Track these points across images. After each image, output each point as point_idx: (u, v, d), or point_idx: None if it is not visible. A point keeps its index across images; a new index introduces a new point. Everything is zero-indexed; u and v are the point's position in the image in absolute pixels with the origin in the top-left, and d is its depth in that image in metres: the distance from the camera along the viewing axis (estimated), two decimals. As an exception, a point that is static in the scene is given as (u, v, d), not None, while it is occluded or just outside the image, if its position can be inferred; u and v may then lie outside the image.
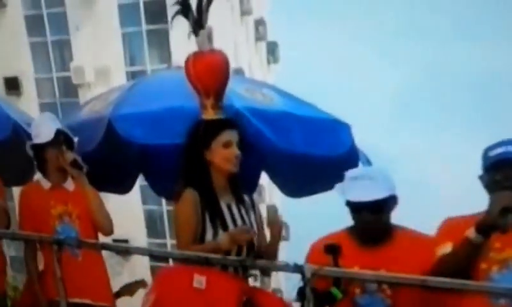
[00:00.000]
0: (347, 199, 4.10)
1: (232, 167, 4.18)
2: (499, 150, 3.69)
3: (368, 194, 4.01)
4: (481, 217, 3.51)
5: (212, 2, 4.44)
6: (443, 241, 3.78)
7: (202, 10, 4.38)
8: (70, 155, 5.07)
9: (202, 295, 3.77)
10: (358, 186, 4.09)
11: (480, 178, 3.78)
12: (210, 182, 4.19)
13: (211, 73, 4.30)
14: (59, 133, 5.12)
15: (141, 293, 5.22)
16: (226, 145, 4.17)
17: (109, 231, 5.29)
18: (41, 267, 5.28)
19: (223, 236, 4.02)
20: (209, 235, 4.10)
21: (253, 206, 4.41)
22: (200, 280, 3.80)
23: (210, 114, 4.27)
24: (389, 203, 4.10)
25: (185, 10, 4.43)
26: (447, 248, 3.71)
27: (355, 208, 4.09)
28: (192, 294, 3.78)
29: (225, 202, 4.21)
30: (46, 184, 5.24)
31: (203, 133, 4.21)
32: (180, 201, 4.14)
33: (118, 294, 6.08)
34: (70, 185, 5.23)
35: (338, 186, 4.22)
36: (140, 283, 6.42)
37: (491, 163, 3.71)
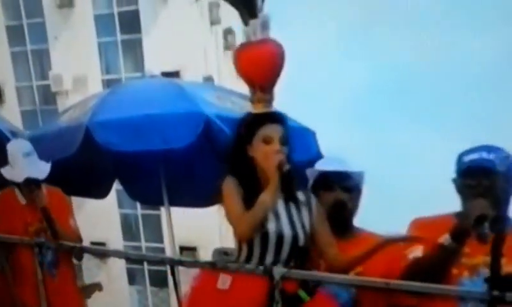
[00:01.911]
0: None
1: (271, 165, 3.65)
2: (473, 156, 3.60)
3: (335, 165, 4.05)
4: (455, 223, 3.45)
5: None
6: (414, 244, 3.67)
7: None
8: (42, 201, 4.94)
9: (226, 296, 3.61)
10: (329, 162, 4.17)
11: (454, 181, 3.69)
12: (254, 177, 3.75)
13: (256, 66, 3.84)
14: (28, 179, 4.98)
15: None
16: (266, 141, 3.71)
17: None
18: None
19: (261, 195, 3.61)
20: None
21: (309, 205, 3.87)
22: (224, 280, 3.64)
23: (257, 108, 3.82)
24: (357, 188, 4.08)
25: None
26: (417, 251, 3.62)
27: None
28: (216, 295, 3.64)
29: None
30: (22, 199, 5.10)
31: (246, 128, 3.81)
32: (222, 188, 3.74)
33: None
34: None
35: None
36: (96, 286, 6.33)
37: (464, 168, 3.62)
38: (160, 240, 23.63)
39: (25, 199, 5.06)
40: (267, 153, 3.68)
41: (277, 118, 3.79)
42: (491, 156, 3.55)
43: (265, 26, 3.85)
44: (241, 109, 5.20)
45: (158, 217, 22.55)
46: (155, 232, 24.36)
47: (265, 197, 3.60)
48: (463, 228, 3.39)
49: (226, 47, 27.40)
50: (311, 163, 5.04)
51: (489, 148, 3.59)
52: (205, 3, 23.96)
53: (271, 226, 3.67)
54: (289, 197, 3.79)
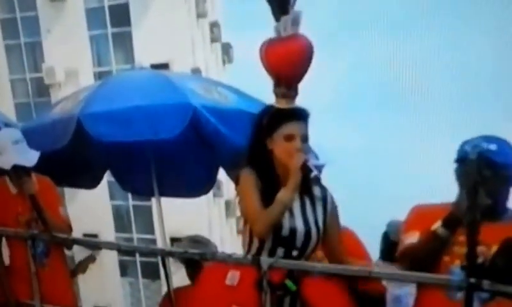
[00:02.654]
0: None
1: (291, 162, 3.60)
2: (471, 145, 3.55)
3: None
4: (448, 212, 3.46)
5: None
6: (410, 229, 3.70)
7: None
8: (30, 189, 4.92)
9: (234, 292, 3.59)
10: None
11: (455, 170, 3.64)
12: (273, 170, 3.73)
13: (282, 61, 3.77)
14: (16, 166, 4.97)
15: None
16: (288, 138, 3.67)
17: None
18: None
19: (280, 192, 3.57)
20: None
21: (325, 201, 3.82)
22: (233, 276, 3.62)
23: (280, 103, 3.77)
24: None
25: None
26: (413, 237, 3.63)
27: None
28: (225, 291, 3.61)
29: None
30: (13, 189, 5.09)
31: (267, 122, 3.75)
32: (240, 179, 3.71)
33: (73, 273, 5.93)
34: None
35: None
36: (90, 258, 6.27)
37: (462, 157, 3.57)
38: (152, 232, 23.62)
39: (16, 189, 5.04)
40: (290, 150, 3.65)
41: (301, 115, 3.74)
42: (492, 146, 3.51)
43: (296, 22, 3.80)
44: (227, 100, 5.19)
45: (149, 209, 22.52)
46: (146, 224, 24.35)
47: (284, 197, 3.57)
48: (454, 216, 3.41)
49: (213, 40, 27.40)
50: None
51: (490, 138, 3.55)
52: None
53: (284, 221, 3.64)
54: (304, 192, 3.75)
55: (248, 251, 3.74)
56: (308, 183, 3.71)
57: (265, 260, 3.45)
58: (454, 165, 3.63)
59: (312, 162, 3.99)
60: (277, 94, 3.78)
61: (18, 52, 26.24)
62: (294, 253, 3.66)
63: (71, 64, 24.15)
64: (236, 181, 3.76)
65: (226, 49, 29.73)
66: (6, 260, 5.11)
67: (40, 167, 5.04)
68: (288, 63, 3.75)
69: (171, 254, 4.03)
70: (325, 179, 4.03)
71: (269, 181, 3.67)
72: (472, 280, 3.05)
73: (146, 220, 24.36)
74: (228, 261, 3.66)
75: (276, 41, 3.81)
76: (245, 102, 5.39)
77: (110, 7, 24.23)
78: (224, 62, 30.48)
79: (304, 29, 3.76)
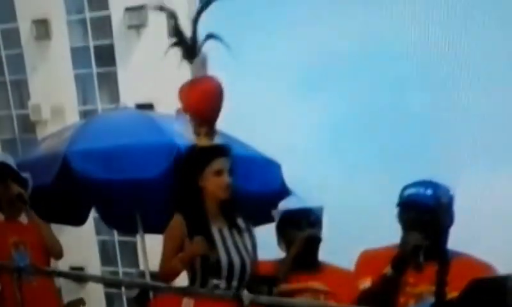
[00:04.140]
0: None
1: (223, 195, 3.87)
2: (411, 191, 3.67)
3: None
4: (395, 254, 3.52)
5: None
6: (362, 275, 3.76)
7: (196, 38, 4.16)
8: (15, 189, 4.95)
9: None
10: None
11: (397, 214, 3.75)
12: (203, 207, 3.91)
13: (205, 102, 4.00)
14: (3, 166, 4.99)
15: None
16: (218, 173, 3.87)
17: (59, 255, 5.17)
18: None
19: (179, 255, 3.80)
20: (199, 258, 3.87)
21: (249, 231, 4.04)
22: (187, 304, 3.72)
23: (203, 142, 3.97)
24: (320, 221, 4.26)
25: (179, 39, 4.20)
26: (366, 283, 3.68)
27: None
28: None
29: (217, 226, 3.91)
30: (1, 216, 5.09)
31: (196, 160, 3.94)
32: (168, 228, 3.93)
33: None
34: (24, 219, 5.09)
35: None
36: (79, 302, 6.24)
37: (402, 202, 3.69)
38: (137, 266, 23.48)
39: (3, 215, 5.05)
40: (220, 184, 3.86)
41: (226, 151, 3.95)
42: (429, 192, 3.62)
43: (204, 64, 4.07)
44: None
45: (134, 244, 22.43)
46: (131, 258, 24.21)
47: (182, 260, 3.76)
48: (400, 258, 3.48)
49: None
50: (275, 194, 5.13)
51: (427, 184, 3.66)
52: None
53: (222, 256, 3.81)
54: (232, 225, 3.95)
55: (191, 284, 3.87)
56: (234, 216, 3.96)
57: (246, 296, 3.47)
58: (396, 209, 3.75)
59: (295, 205, 4.18)
60: (199, 134, 3.97)
61: (4, 88, 26.18)
62: (234, 283, 3.82)
63: (57, 101, 24.08)
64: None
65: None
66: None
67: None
68: (207, 103, 3.96)
69: (154, 288, 4.03)
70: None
71: (199, 217, 3.86)
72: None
73: (131, 255, 24.23)
74: (211, 296, 3.71)
75: (194, 83, 4.05)
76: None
77: (95, 47, 24.24)
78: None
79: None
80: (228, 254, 3.84)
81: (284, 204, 4.39)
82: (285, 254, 4.26)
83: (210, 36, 4.13)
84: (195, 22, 4.13)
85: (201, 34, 4.12)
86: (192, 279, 3.84)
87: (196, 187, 3.89)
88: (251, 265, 3.92)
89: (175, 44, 4.20)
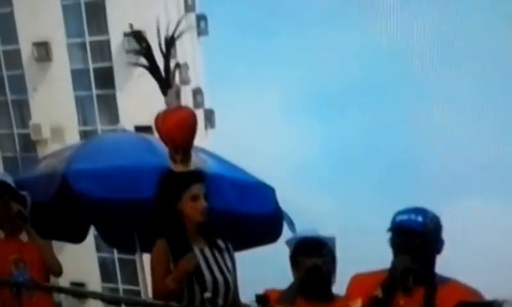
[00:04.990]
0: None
1: (200, 218, 4.03)
2: (402, 217, 3.76)
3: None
4: (385, 277, 3.60)
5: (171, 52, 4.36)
6: (353, 297, 3.82)
7: (169, 71, 4.26)
8: (15, 206, 4.99)
9: None
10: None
11: (388, 239, 3.81)
12: (183, 229, 4.05)
13: (180, 130, 4.13)
14: (1, 185, 5.02)
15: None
16: (194, 198, 4.04)
17: (58, 273, 5.22)
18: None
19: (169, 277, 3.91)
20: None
21: (228, 250, 4.22)
22: None
23: (179, 168, 4.11)
24: (331, 253, 4.34)
25: (153, 72, 4.31)
26: (357, 305, 3.75)
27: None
28: None
29: (198, 247, 4.07)
30: (1, 234, 5.11)
31: (174, 185, 4.09)
32: (153, 254, 4.09)
33: None
34: (24, 237, 5.13)
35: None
36: None
37: (394, 227, 3.76)
38: (136, 283, 23.41)
39: (4, 232, 5.06)
40: (197, 208, 4.01)
41: (202, 177, 4.14)
42: (419, 218, 3.68)
43: (178, 95, 4.24)
44: (205, 164, 5.28)
45: (133, 261, 22.37)
46: (131, 275, 24.14)
47: (171, 282, 3.87)
48: (391, 281, 3.56)
49: (196, 106, 27.55)
50: (269, 216, 5.18)
51: (418, 211, 3.72)
52: (172, 63, 24.09)
53: (206, 274, 3.97)
54: (212, 246, 4.12)
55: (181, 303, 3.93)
56: (213, 236, 4.13)
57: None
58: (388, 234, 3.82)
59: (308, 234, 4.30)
60: (175, 161, 4.10)
61: (6, 108, 26.19)
62: (220, 301, 3.97)
63: (57, 122, 24.09)
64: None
65: (209, 115, 29.88)
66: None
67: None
68: (183, 131, 4.11)
69: (152, 305, 4.06)
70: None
71: (180, 239, 4.00)
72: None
73: (130, 272, 24.16)
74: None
75: (169, 112, 4.16)
76: (223, 167, 5.55)
77: (95, 69, 24.27)
78: (206, 127, 30.63)
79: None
80: (211, 272, 3.99)
81: (299, 233, 4.49)
82: None
83: (178, 66, 4.38)
84: (167, 57, 4.30)
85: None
86: (178, 298, 3.90)
87: (175, 210, 4.03)
88: (233, 283, 4.08)
89: (152, 75, 4.34)
